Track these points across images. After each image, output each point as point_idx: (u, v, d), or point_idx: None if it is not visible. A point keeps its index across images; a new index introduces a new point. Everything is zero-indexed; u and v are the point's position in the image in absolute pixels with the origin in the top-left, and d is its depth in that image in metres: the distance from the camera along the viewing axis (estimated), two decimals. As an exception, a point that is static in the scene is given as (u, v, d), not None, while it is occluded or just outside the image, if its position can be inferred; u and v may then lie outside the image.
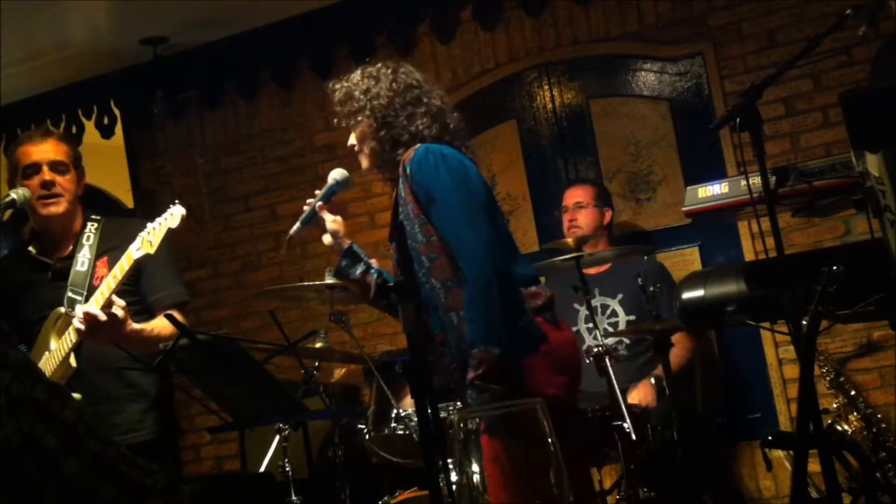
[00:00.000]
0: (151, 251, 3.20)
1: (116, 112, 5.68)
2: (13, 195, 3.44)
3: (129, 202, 6.08)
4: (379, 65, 2.93)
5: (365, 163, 2.91)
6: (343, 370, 4.47)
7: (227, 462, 5.52)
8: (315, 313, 4.72)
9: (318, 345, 4.07)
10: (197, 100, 5.61)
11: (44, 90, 5.68)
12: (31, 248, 3.61)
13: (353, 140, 2.93)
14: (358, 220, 5.32)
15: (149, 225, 3.26)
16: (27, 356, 1.74)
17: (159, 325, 3.31)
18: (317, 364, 3.91)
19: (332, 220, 2.90)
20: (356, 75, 2.92)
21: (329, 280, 3.82)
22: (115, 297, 3.18)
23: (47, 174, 3.48)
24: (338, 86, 2.94)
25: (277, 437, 3.86)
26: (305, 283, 4.07)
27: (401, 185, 2.78)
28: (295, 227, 2.91)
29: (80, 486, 1.60)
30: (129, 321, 3.20)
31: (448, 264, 2.70)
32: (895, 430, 4.08)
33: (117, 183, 6.22)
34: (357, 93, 2.87)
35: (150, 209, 5.75)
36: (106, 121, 5.66)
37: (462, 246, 2.66)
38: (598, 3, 4.84)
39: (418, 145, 2.76)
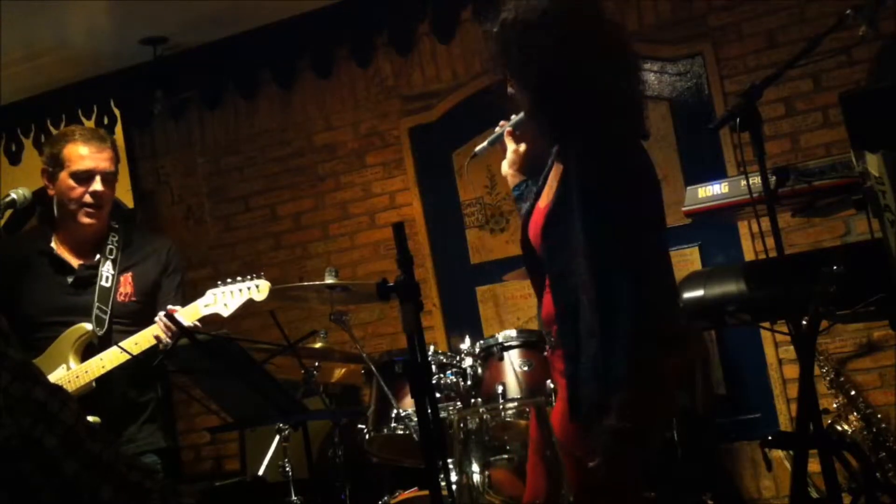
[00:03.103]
0: (224, 315, 3.33)
1: (116, 112, 5.66)
2: (13, 195, 3.40)
3: (129, 202, 6.07)
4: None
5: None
6: (343, 370, 4.47)
7: (227, 462, 5.51)
8: (315, 313, 4.71)
9: (318, 345, 4.07)
10: (197, 100, 5.61)
11: (44, 90, 5.67)
12: (52, 245, 3.51)
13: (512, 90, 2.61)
14: (358, 220, 5.31)
15: (225, 287, 3.34)
16: (27, 357, 1.74)
17: None
18: (317, 364, 3.91)
19: (513, 150, 2.76)
20: (536, 28, 2.48)
21: (329, 280, 3.83)
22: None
23: (100, 185, 3.44)
24: (492, 27, 2.54)
25: (277, 437, 3.86)
26: (305, 283, 4.07)
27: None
28: (481, 146, 2.84)
29: (79, 487, 1.60)
30: None
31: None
32: (895, 430, 4.08)
33: (117, 183, 6.20)
34: (531, 61, 2.48)
35: (150, 209, 5.75)
36: (106, 121, 5.64)
37: (621, 267, 2.32)
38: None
39: (590, 132, 2.50)
